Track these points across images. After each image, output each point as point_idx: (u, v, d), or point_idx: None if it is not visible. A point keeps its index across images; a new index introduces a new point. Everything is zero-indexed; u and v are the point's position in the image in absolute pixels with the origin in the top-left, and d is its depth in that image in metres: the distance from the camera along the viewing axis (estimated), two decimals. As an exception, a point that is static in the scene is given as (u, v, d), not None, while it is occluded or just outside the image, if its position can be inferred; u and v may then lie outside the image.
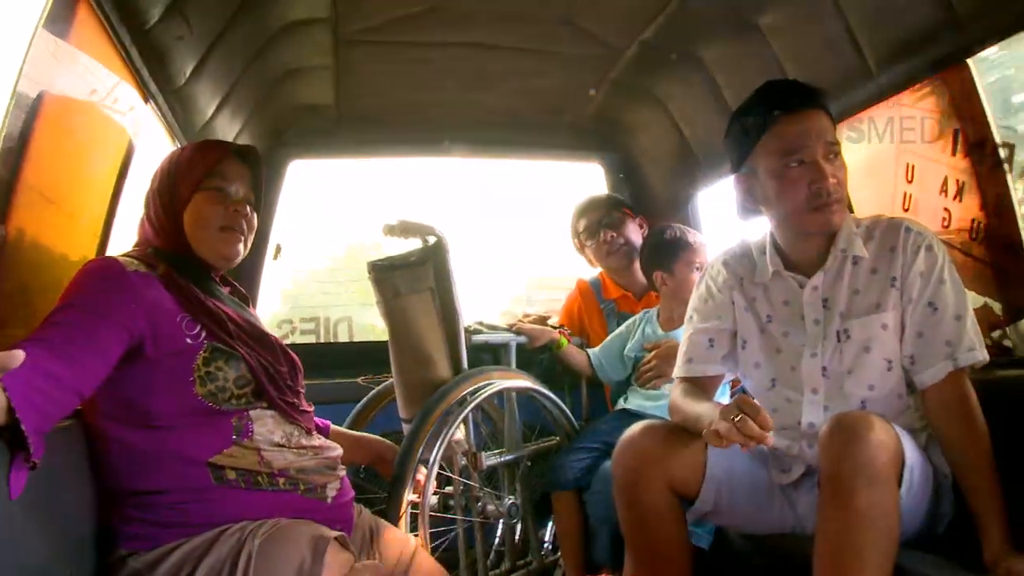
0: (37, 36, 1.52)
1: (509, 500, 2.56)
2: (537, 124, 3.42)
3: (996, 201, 2.08)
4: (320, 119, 3.18)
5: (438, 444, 2.23)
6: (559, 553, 2.68)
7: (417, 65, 2.81)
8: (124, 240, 2.06)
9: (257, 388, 1.69)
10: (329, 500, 1.75)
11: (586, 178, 3.75)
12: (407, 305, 2.40)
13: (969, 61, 2.04)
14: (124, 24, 1.88)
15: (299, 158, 3.34)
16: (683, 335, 2.16)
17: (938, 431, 1.78)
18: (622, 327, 2.92)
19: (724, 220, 3.31)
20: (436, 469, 2.23)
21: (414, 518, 2.22)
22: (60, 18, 1.64)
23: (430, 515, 2.25)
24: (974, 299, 2.04)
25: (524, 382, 2.65)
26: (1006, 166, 2.05)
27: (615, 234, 3.10)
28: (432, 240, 2.42)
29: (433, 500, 2.33)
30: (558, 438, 2.78)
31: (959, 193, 2.17)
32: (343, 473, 1.83)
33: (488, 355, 2.81)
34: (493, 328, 2.81)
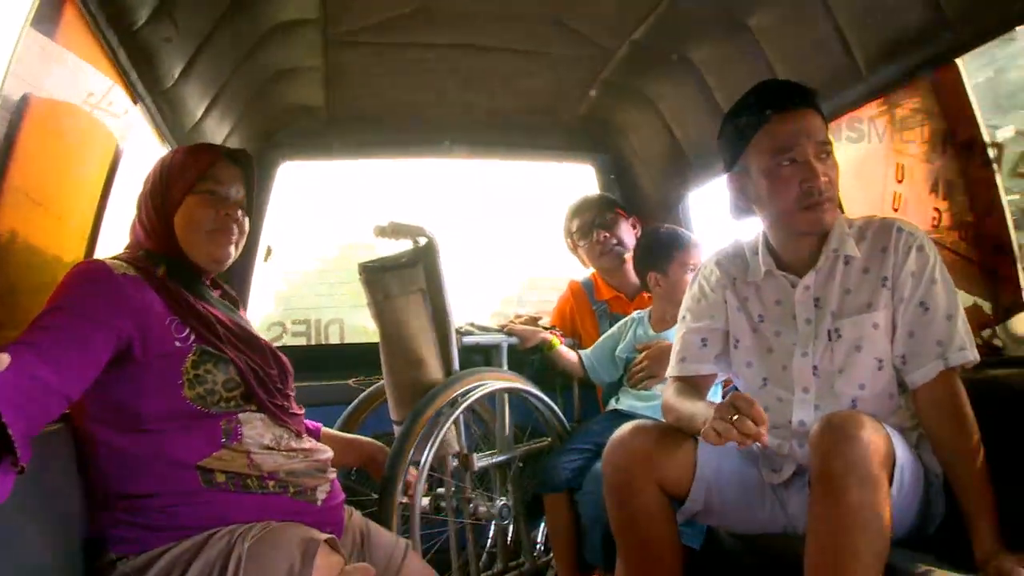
0: (24, 36, 1.51)
1: (501, 501, 2.55)
2: (528, 125, 3.42)
3: (985, 200, 2.09)
4: (311, 120, 3.17)
5: (429, 445, 2.23)
6: (551, 554, 2.67)
7: (408, 66, 2.80)
8: (113, 242, 2.05)
9: (246, 391, 1.68)
10: (319, 503, 1.74)
11: (578, 179, 3.75)
12: (398, 307, 2.40)
13: (958, 61, 2.05)
14: (111, 25, 1.87)
15: (290, 159, 3.32)
16: (676, 334, 2.17)
17: (929, 430, 1.78)
18: (614, 328, 2.92)
19: (715, 220, 3.33)
20: (427, 470, 2.22)
21: (405, 520, 2.21)
22: (46, 19, 1.63)
23: (422, 517, 2.25)
24: (964, 298, 2.05)
25: (515, 383, 2.64)
26: (995, 165, 2.06)
27: (608, 234, 3.10)
28: (423, 241, 2.42)
29: (425, 502, 2.33)
30: (550, 439, 2.78)
31: (949, 193, 2.18)
32: (333, 475, 1.83)
33: (479, 356, 2.81)
34: (484, 329, 2.81)
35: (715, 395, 2.41)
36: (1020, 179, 2.10)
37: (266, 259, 3.28)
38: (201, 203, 1.77)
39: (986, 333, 2.12)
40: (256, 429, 1.69)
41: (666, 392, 2.08)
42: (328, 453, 1.84)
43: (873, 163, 2.40)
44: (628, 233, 3.15)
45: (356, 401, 2.73)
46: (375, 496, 2.22)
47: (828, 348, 1.88)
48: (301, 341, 3.93)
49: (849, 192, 2.42)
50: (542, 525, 2.81)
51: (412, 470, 2.22)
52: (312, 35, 2.47)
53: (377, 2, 2.35)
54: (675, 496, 1.93)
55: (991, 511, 1.63)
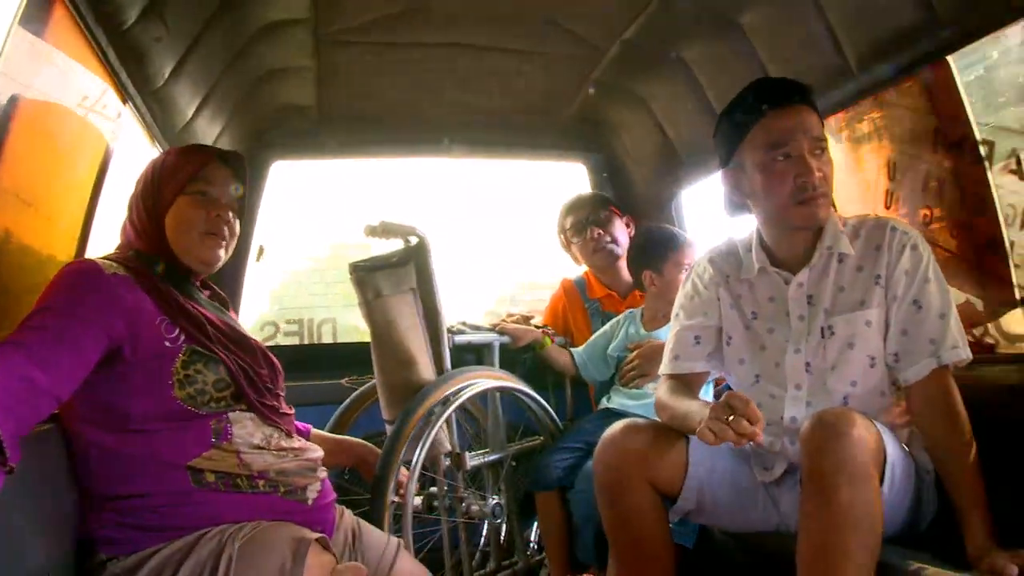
0: (12, 35, 1.50)
1: (493, 500, 2.55)
2: (520, 124, 3.41)
3: (977, 198, 2.09)
4: (302, 120, 3.16)
5: (420, 445, 2.22)
6: (544, 552, 2.67)
7: (399, 65, 2.79)
8: (103, 242, 2.04)
9: (236, 391, 1.68)
10: (310, 502, 1.74)
11: (570, 179, 3.75)
12: (389, 306, 2.39)
13: (949, 58, 2.06)
14: (100, 25, 1.86)
15: (281, 159, 3.30)
16: (669, 332, 2.17)
17: (922, 428, 1.79)
18: (606, 326, 2.92)
19: (707, 219, 3.33)
20: (419, 470, 2.22)
21: (397, 519, 2.21)
22: (35, 18, 1.62)
23: (415, 516, 2.25)
24: (956, 296, 2.05)
25: (507, 382, 2.64)
26: (986, 163, 2.06)
27: (602, 232, 3.10)
28: (414, 241, 2.41)
29: (417, 501, 2.32)
30: (542, 438, 2.78)
31: (940, 190, 2.18)
32: (324, 475, 1.82)
33: (471, 355, 2.81)
34: (476, 328, 2.81)
35: (706, 393, 2.41)
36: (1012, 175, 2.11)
37: (258, 259, 3.27)
38: (192, 204, 1.76)
39: (978, 331, 2.12)
40: (246, 428, 1.68)
41: (659, 390, 2.09)
42: (319, 452, 1.84)
43: (865, 161, 2.40)
44: (622, 231, 3.15)
45: (348, 400, 2.73)
46: (367, 496, 2.21)
47: (821, 345, 1.88)
48: (294, 340, 3.94)
49: (841, 190, 2.42)
50: (535, 524, 2.81)
51: (404, 469, 2.21)
52: (303, 34, 2.46)
53: (367, 2, 2.34)
54: (667, 495, 1.93)
55: (983, 508, 1.63)
